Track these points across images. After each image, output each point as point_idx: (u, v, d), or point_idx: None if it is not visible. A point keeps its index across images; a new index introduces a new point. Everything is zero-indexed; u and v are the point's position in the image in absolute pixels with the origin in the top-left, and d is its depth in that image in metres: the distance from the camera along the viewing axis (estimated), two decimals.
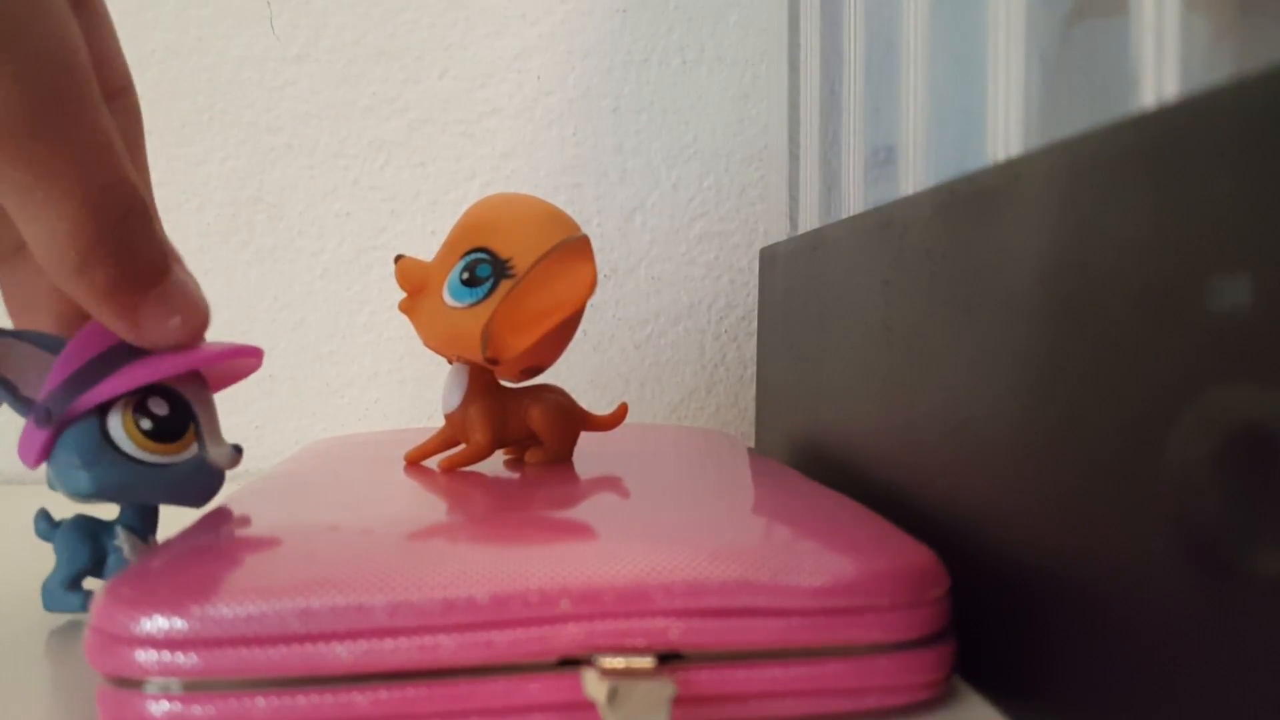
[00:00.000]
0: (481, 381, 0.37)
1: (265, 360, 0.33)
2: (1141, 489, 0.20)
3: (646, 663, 0.23)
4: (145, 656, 0.22)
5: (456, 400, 0.37)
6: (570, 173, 0.65)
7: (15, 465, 0.30)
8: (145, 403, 0.30)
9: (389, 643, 0.23)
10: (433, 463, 0.38)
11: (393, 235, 0.64)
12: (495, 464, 0.38)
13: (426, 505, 0.33)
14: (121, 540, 0.32)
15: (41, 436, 0.29)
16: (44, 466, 0.30)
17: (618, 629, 0.23)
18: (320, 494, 0.34)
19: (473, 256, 0.35)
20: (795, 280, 0.47)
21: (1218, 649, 0.18)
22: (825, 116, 0.49)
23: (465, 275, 0.35)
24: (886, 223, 0.34)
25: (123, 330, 0.29)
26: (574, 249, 0.35)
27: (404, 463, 0.38)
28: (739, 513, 0.31)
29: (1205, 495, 0.18)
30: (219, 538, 0.28)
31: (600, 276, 0.65)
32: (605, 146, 0.65)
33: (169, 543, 0.27)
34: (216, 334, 0.31)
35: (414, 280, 0.36)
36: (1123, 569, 0.21)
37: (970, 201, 0.28)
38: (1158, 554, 0.19)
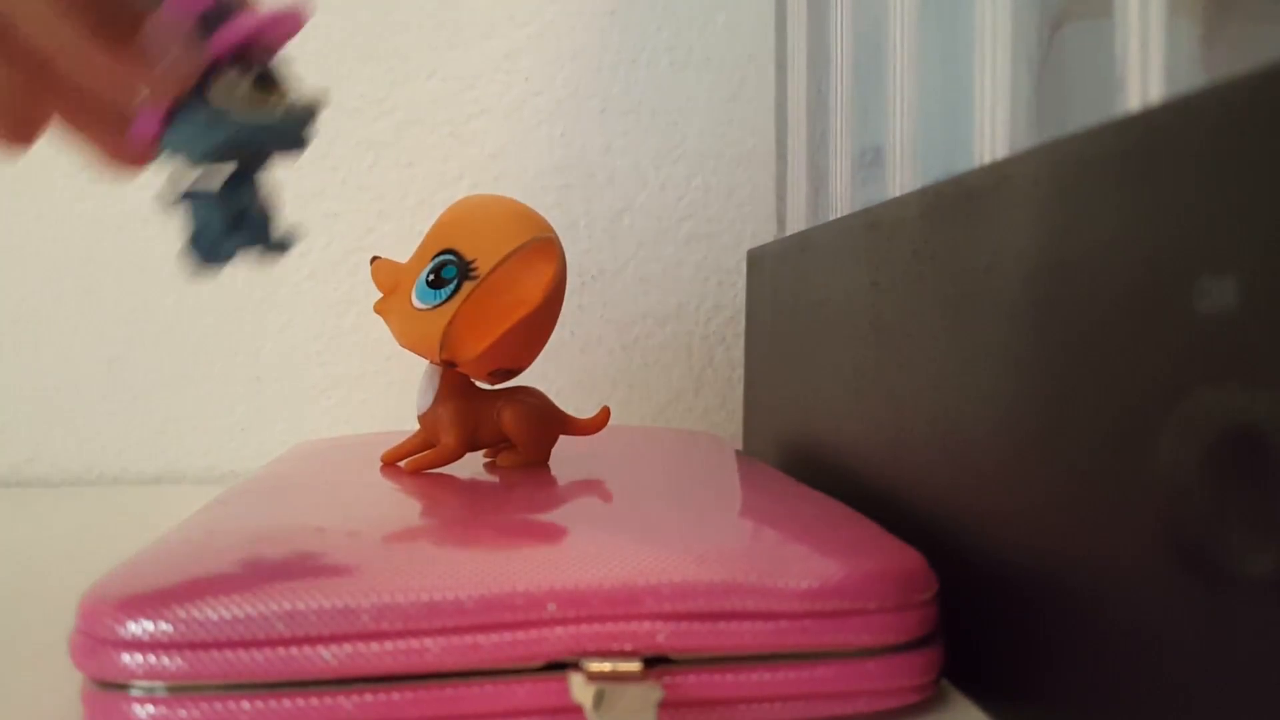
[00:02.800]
0: (453, 383, 0.37)
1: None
2: (1128, 490, 0.20)
3: (633, 666, 0.23)
4: (130, 659, 0.22)
5: (428, 401, 0.37)
6: (558, 174, 0.64)
7: None
8: (240, 62, 0.32)
9: (374, 646, 0.23)
10: (405, 464, 0.37)
11: (380, 236, 0.64)
12: (479, 467, 0.38)
13: (413, 508, 0.33)
14: (250, 192, 0.34)
15: (155, 113, 0.31)
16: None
17: (604, 632, 0.23)
18: (306, 496, 0.34)
19: (440, 258, 0.35)
20: (783, 282, 0.47)
21: (1204, 650, 0.18)
22: (813, 118, 0.49)
23: (431, 277, 0.35)
24: (874, 224, 0.34)
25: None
26: (538, 250, 0.35)
27: (383, 464, 0.38)
28: (726, 515, 0.31)
29: (1192, 497, 0.18)
30: (205, 540, 0.28)
31: (588, 277, 0.66)
32: (593, 147, 0.65)
33: (154, 545, 0.27)
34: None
35: (388, 281, 0.36)
36: (1110, 571, 0.21)
37: (957, 203, 0.28)
38: (1145, 556, 0.19)
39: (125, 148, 0.33)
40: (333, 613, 0.23)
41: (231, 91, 0.32)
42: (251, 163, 0.34)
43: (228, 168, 0.33)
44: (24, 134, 0.32)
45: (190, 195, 0.34)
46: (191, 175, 0.33)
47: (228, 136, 0.32)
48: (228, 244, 0.33)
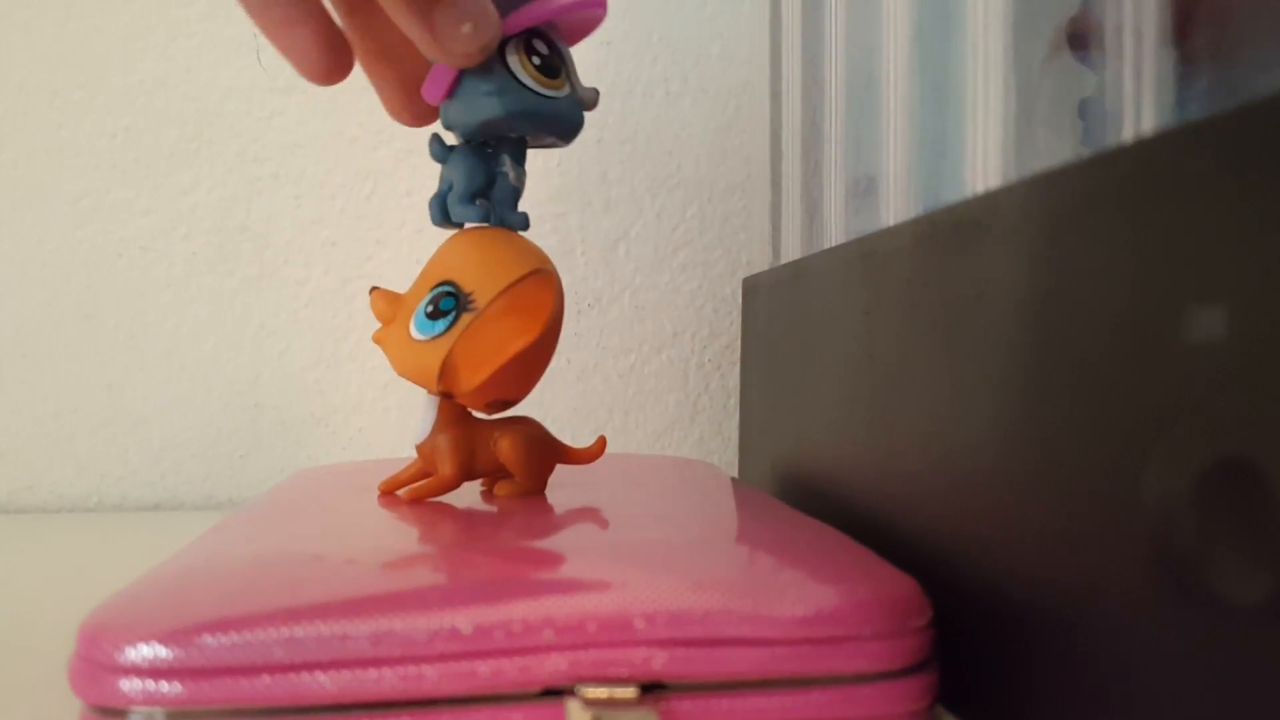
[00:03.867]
0: (450, 413, 0.37)
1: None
2: (1119, 517, 0.20)
3: (629, 693, 0.23)
4: (130, 685, 0.22)
5: (426, 431, 0.37)
6: (555, 202, 0.65)
7: None
8: (531, 44, 0.34)
9: (372, 672, 0.23)
10: (403, 493, 0.38)
11: (378, 264, 0.65)
12: (476, 496, 0.38)
13: (411, 536, 0.33)
14: (507, 167, 0.36)
15: (448, 75, 0.34)
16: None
17: (601, 659, 0.23)
18: (305, 524, 0.34)
19: (439, 290, 0.35)
20: (778, 309, 0.47)
21: (1195, 676, 0.18)
22: (807, 147, 0.49)
23: (430, 309, 0.35)
24: (867, 253, 0.34)
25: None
26: (536, 284, 0.35)
27: (381, 493, 0.38)
28: (722, 543, 0.31)
29: (1182, 524, 0.18)
30: (204, 567, 0.28)
31: (584, 305, 0.66)
32: (590, 176, 0.65)
33: (153, 572, 0.27)
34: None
35: (386, 311, 0.36)
36: (1102, 598, 0.21)
37: (950, 232, 0.28)
38: (1136, 582, 0.20)
39: (414, 102, 0.36)
40: (331, 639, 0.23)
41: (521, 68, 0.34)
42: (517, 141, 0.36)
43: (495, 139, 0.35)
44: (334, 64, 0.35)
45: (453, 153, 0.36)
46: (460, 138, 0.35)
47: (508, 110, 0.33)
48: (467, 209, 0.35)
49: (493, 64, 0.33)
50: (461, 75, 0.34)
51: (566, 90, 0.35)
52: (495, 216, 0.36)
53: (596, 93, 0.36)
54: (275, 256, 0.64)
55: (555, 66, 0.35)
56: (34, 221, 0.63)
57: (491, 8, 0.33)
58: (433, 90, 0.34)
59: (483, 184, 0.35)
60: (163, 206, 0.64)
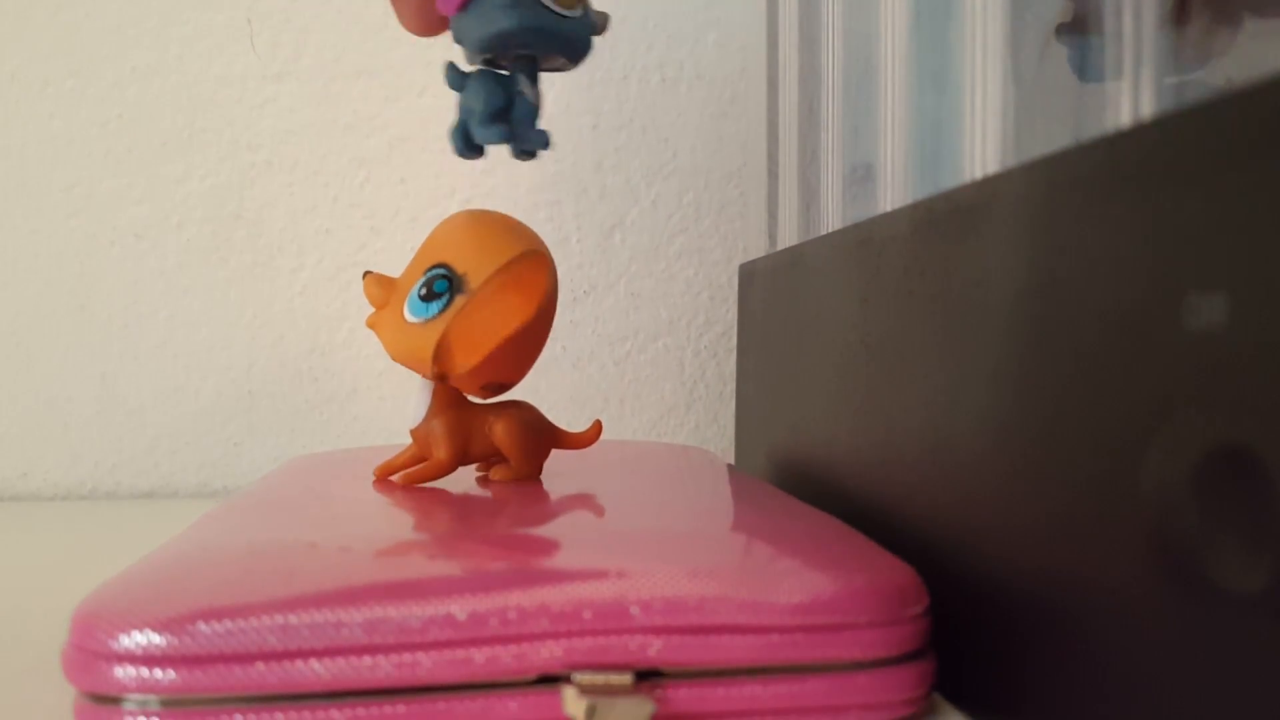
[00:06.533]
0: (445, 397, 0.37)
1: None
2: (1118, 506, 0.20)
3: (625, 680, 0.23)
4: (123, 673, 0.22)
5: (420, 416, 0.37)
6: (550, 190, 0.65)
7: None
8: None
9: (367, 660, 0.23)
10: (398, 478, 0.37)
11: (372, 252, 0.64)
12: (470, 482, 0.38)
13: (405, 523, 0.33)
14: (524, 86, 0.35)
15: None
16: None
17: (596, 646, 0.23)
18: (299, 511, 0.34)
19: (433, 272, 0.35)
20: (774, 297, 0.47)
21: (1193, 665, 0.18)
22: (804, 134, 0.49)
23: (423, 291, 0.35)
24: (865, 240, 0.34)
25: None
26: (529, 264, 0.35)
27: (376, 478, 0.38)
28: (718, 530, 0.31)
29: (1181, 513, 0.18)
30: (198, 554, 0.28)
31: (580, 293, 0.66)
32: (585, 164, 0.65)
33: (147, 560, 0.27)
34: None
35: (380, 296, 0.36)
36: (1101, 586, 0.21)
37: (948, 219, 0.28)
38: (1134, 571, 0.20)
39: (428, 8, 0.36)
40: (325, 627, 0.23)
41: None
42: (531, 60, 0.36)
43: (509, 57, 0.35)
44: None
45: (470, 78, 0.36)
46: (475, 61, 0.36)
47: (522, 24, 0.33)
48: (489, 130, 0.35)
49: None
50: None
51: (580, 11, 0.35)
52: (518, 136, 0.36)
53: (607, 17, 0.36)
54: (269, 244, 0.64)
55: None
56: (26, 210, 0.63)
57: None
58: (446, 2, 0.34)
59: (501, 105, 0.35)
60: (156, 195, 0.64)
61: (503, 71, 0.36)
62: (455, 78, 0.36)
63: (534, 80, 0.36)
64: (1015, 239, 0.24)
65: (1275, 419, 0.16)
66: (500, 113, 0.35)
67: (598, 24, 0.36)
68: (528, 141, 0.36)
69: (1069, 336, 0.22)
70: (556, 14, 0.34)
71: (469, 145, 0.36)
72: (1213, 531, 0.18)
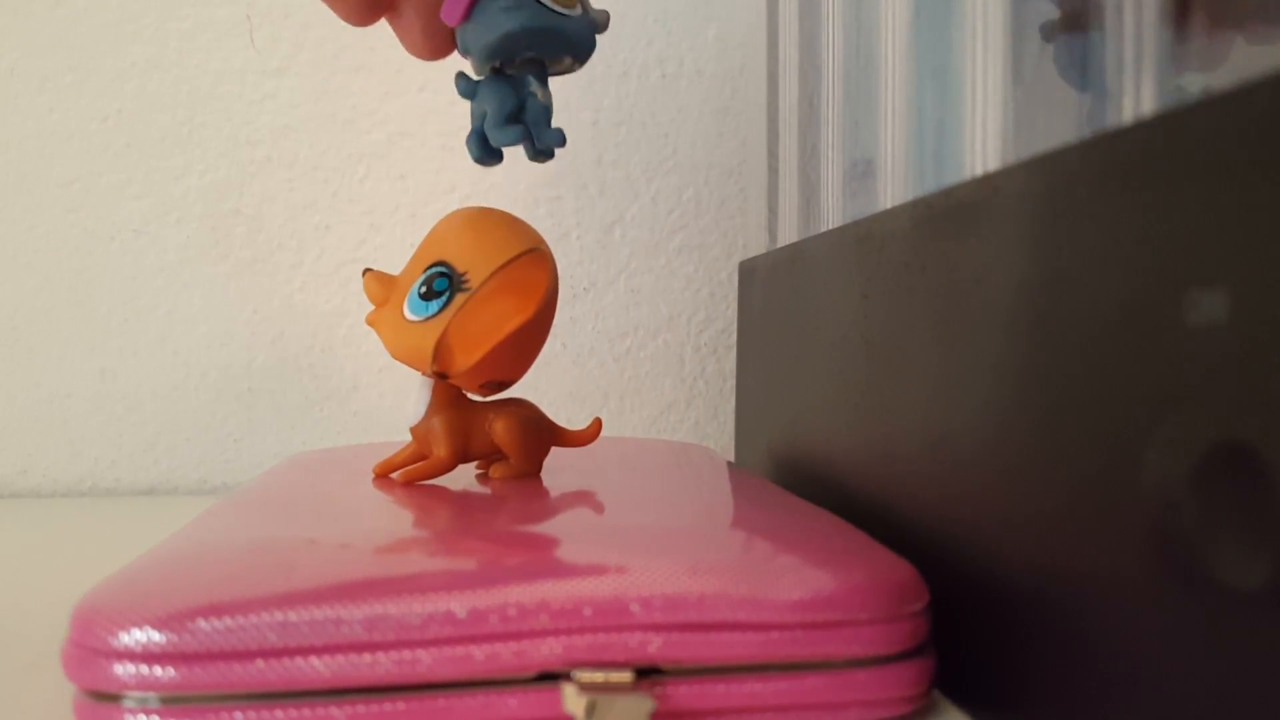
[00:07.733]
0: (445, 395, 0.37)
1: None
2: (1118, 502, 0.20)
3: (625, 677, 0.23)
4: (123, 670, 0.22)
5: (420, 413, 0.37)
6: (550, 185, 0.65)
7: None
8: None
9: (366, 657, 0.23)
10: (397, 475, 0.37)
11: (372, 248, 0.64)
12: (470, 479, 0.38)
13: (405, 520, 0.33)
14: (534, 87, 0.36)
15: (464, 1, 0.34)
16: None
17: (596, 643, 0.23)
18: (299, 508, 0.34)
19: (432, 270, 0.35)
20: (774, 293, 0.47)
21: (1194, 661, 0.18)
22: (804, 130, 0.49)
23: (423, 289, 0.35)
24: (865, 236, 0.34)
25: None
26: (530, 263, 0.35)
27: (376, 476, 0.38)
28: (718, 527, 0.31)
29: (1182, 508, 0.18)
30: (198, 551, 0.27)
31: (580, 289, 0.66)
32: (585, 159, 0.65)
33: (147, 557, 0.27)
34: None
35: (380, 293, 0.36)
36: (1101, 583, 0.21)
37: (948, 215, 0.28)
38: (1135, 567, 0.19)
39: (432, 31, 0.36)
40: (325, 624, 0.23)
41: None
42: (539, 64, 0.36)
43: (517, 61, 0.36)
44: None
45: (481, 84, 0.36)
46: (484, 71, 0.36)
47: (525, 25, 0.34)
48: (504, 132, 0.36)
49: None
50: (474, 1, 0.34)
51: (579, 10, 0.35)
52: (534, 136, 0.36)
53: (607, 15, 0.37)
54: (268, 240, 0.64)
55: None
56: (26, 206, 0.63)
57: None
58: (451, 11, 0.35)
59: (514, 107, 0.36)
60: (155, 190, 0.63)
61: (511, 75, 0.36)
62: (466, 86, 0.37)
63: (543, 82, 0.36)
64: (1016, 235, 0.24)
65: (1275, 414, 0.16)
66: (514, 114, 0.36)
67: (598, 22, 0.36)
68: (543, 141, 0.36)
69: (1069, 333, 0.22)
70: (557, 13, 0.34)
71: (486, 150, 0.36)
72: (1213, 527, 0.18)
